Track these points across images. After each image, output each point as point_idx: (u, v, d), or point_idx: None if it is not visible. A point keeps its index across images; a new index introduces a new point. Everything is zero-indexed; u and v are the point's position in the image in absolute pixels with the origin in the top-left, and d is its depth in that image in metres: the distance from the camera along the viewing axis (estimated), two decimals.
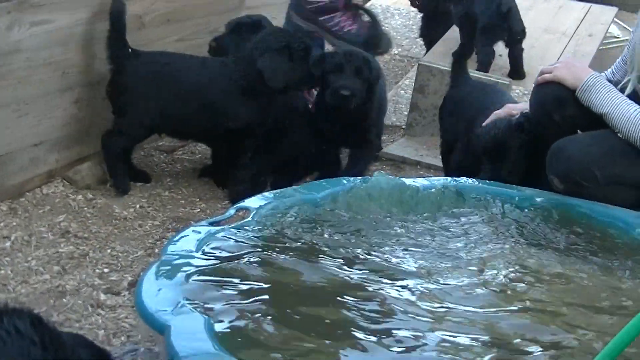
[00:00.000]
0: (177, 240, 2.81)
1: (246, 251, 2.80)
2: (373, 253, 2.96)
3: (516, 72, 5.79)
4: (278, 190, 3.37)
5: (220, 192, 4.33)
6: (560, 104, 3.62)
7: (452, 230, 3.26)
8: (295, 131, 4.46)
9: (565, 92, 3.60)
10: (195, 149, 4.81)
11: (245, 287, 2.53)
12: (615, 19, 7.41)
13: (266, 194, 3.33)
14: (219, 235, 2.87)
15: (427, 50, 6.23)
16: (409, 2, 6.54)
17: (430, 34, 6.34)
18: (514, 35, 5.76)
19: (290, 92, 4.35)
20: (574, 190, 3.50)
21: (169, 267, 2.60)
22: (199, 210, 4.11)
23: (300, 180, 4.36)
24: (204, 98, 4.16)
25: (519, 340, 2.45)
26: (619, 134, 3.49)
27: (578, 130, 3.71)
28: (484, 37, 5.70)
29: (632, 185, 3.54)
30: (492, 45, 5.73)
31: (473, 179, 3.67)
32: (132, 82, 4.13)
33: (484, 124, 3.91)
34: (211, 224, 2.97)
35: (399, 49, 7.16)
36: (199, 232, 2.88)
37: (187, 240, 2.81)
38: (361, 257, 2.91)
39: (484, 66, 5.61)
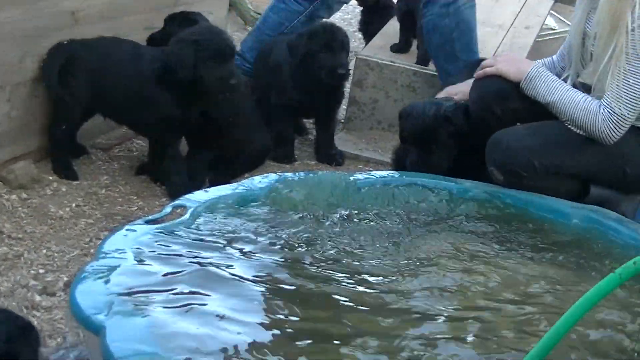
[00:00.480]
0: (113, 240, 2.74)
1: (182, 250, 2.75)
2: (313, 250, 2.94)
3: None
4: (217, 187, 3.33)
5: (158, 189, 4.27)
6: (502, 97, 3.66)
7: (393, 225, 3.25)
8: (238, 128, 4.43)
9: (507, 85, 3.64)
10: (132, 147, 4.74)
11: (181, 287, 2.48)
12: (552, 11, 7.48)
13: (204, 190, 3.29)
14: (155, 233, 2.82)
15: (365, 27, 6.27)
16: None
17: (369, 28, 6.34)
18: None
19: (215, 93, 4.19)
20: (514, 182, 3.53)
21: (104, 267, 2.54)
22: (136, 208, 4.05)
23: (240, 176, 4.34)
24: (131, 85, 4.18)
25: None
26: (566, 122, 3.52)
27: (518, 124, 3.74)
28: None
29: (570, 176, 3.58)
30: None
31: (414, 173, 3.67)
32: (72, 68, 4.18)
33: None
34: (147, 222, 2.92)
35: None
36: (135, 231, 2.82)
37: (123, 239, 2.75)
38: (302, 255, 2.89)
39: (425, 61, 5.60)
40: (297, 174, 3.48)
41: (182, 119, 4.17)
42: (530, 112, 3.64)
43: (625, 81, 3.37)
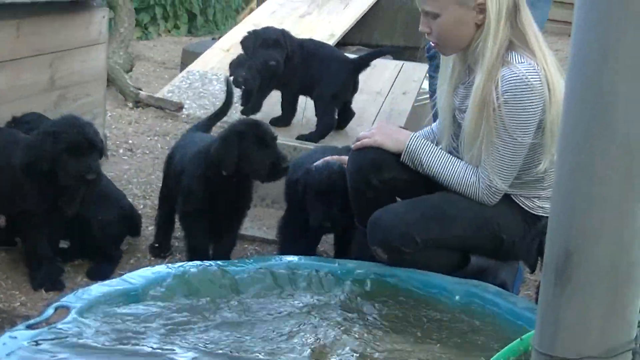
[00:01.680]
0: None
1: (67, 356, 2.70)
2: (199, 346, 2.91)
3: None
4: (98, 284, 3.29)
5: None
6: (378, 168, 3.72)
7: (278, 312, 3.24)
8: (99, 209, 4.36)
9: (383, 156, 3.71)
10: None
11: None
12: (428, 74, 7.64)
13: (85, 289, 3.23)
14: (37, 340, 2.75)
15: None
16: (233, 82, 6.46)
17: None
18: (354, 93, 5.89)
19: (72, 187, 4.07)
20: (397, 258, 3.58)
21: None
22: (18, 304, 3.94)
23: (116, 260, 4.40)
24: (4, 176, 4.10)
25: None
26: (455, 190, 3.63)
27: (397, 198, 3.80)
28: (332, 104, 5.73)
29: (450, 248, 3.66)
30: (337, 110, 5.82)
31: (295, 257, 3.69)
32: None
33: (315, 164, 4.09)
34: (28, 327, 2.86)
35: None
36: (16, 338, 2.75)
37: (3, 348, 2.68)
38: (189, 354, 2.85)
39: (326, 133, 5.62)
40: (178, 266, 3.44)
41: (47, 211, 4.09)
42: (408, 181, 3.74)
43: (498, 156, 3.49)
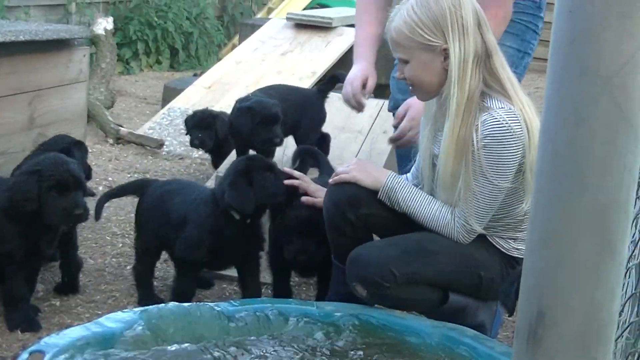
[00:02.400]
0: None
1: None
2: None
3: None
4: (73, 328, 3.26)
5: None
6: (355, 203, 3.74)
7: (251, 356, 3.24)
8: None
9: (360, 191, 3.74)
10: None
11: None
12: None
13: (64, 330, 3.20)
14: None
15: (216, 161, 6.24)
16: (190, 142, 6.36)
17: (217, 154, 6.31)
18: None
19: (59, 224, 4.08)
20: (377, 294, 3.56)
21: None
22: None
23: None
24: None
25: None
26: (430, 227, 3.64)
27: (375, 236, 3.81)
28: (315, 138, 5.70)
29: (430, 284, 3.64)
30: None
31: (277, 300, 3.67)
32: None
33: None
34: None
35: (200, 152, 7.17)
36: None
37: None
38: None
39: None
40: (154, 308, 3.41)
41: (26, 253, 4.05)
42: (385, 218, 3.76)
43: (475, 199, 3.50)
